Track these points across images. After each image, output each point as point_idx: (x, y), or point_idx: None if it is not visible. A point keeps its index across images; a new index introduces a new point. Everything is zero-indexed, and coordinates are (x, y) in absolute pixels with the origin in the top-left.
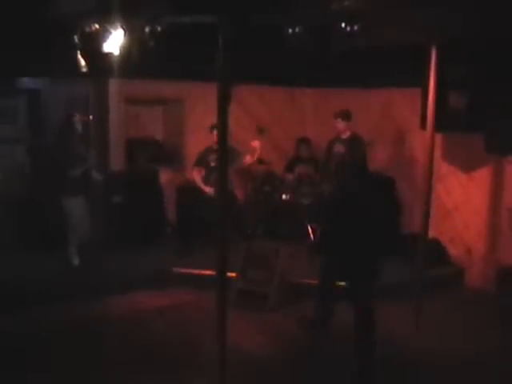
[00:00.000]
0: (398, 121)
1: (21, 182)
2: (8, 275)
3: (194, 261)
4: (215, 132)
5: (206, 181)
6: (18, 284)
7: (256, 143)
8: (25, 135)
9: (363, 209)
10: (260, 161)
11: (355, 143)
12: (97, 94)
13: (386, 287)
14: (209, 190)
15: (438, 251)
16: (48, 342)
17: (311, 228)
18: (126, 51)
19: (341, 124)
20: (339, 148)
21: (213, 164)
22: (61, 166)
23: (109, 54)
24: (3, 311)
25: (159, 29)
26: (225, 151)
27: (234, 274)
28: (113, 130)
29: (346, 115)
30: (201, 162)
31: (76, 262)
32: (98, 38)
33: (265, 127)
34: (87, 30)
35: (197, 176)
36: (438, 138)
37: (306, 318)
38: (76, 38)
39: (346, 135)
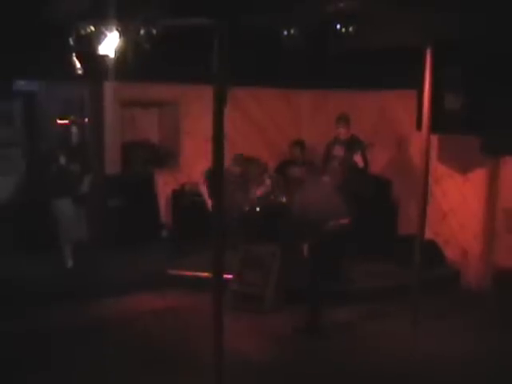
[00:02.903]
0: (394, 122)
1: (16, 184)
2: (4, 277)
3: (191, 263)
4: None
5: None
6: (14, 286)
7: (268, 182)
8: (20, 138)
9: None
10: (256, 163)
11: (355, 145)
12: (92, 97)
13: (383, 289)
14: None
15: (434, 253)
16: (45, 344)
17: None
18: (122, 54)
19: (343, 129)
20: (338, 150)
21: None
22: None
23: (104, 57)
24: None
25: (154, 31)
26: (221, 153)
27: (230, 276)
28: (108, 132)
29: (347, 120)
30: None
31: (70, 263)
32: (93, 41)
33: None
34: (82, 32)
35: (203, 188)
36: (434, 139)
37: (302, 323)
38: (71, 40)
39: (344, 137)
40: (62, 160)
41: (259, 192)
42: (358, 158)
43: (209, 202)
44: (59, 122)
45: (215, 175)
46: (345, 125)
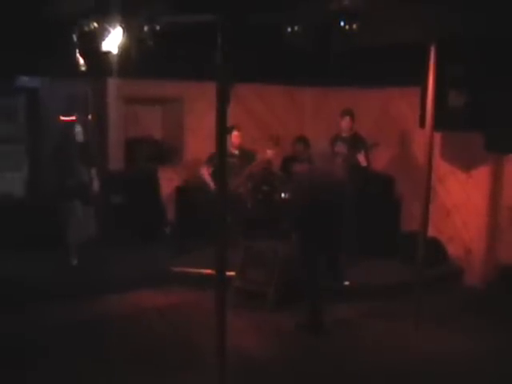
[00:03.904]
0: (397, 120)
1: (20, 181)
2: (8, 275)
3: (194, 260)
4: (235, 133)
5: (213, 178)
6: (18, 283)
7: (270, 153)
8: (23, 134)
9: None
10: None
11: (358, 143)
12: (95, 93)
13: (385, 286)
14: (213, 185)
15: (437, 250)
16: (47, 341)
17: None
18: (125, 50)
19: (348, 122)
20: (341, 148)
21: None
22: (59, 173)
23: (107, 53)
24: (3, 310)
25: (158, 28)
26: (224, 148)
27: (233, 274)
28: (112, 129)
29: (352, 114)
30: (212, 160)
31: (75, 261)
32: (96, 37)
33: (279, 138)
34: (86, 28)
35: (205, 172)
36: (438, 136)
37: (305, 321)
38: (75, 37)
39: (347, 133)
40: (73, 163)
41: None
42: (361, 158)
43: (211, 184)
44: (63, 118)
45: (219, 171)
46: (350, 118)
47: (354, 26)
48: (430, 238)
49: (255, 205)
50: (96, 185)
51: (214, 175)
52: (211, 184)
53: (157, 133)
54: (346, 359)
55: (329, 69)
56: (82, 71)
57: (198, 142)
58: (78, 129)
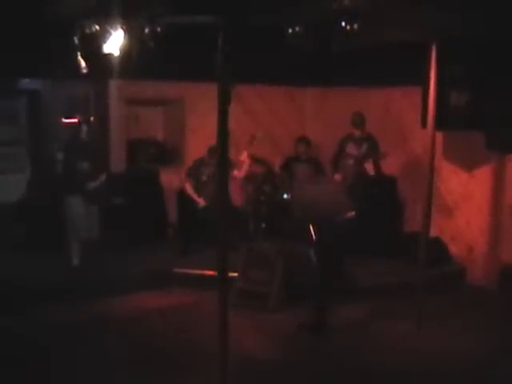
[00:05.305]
0: (398, 120)
1: (21, 182)
2: (8, 275)
3: (195, 261)
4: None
5: (197, 193)
6: (19, 284)
7: (244, 156)
8: (25, 136)
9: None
10: (260, 161)
11: (370, 144)
12: (97, 95)
13: (387, 286)
14: (201, 201)
15: (439, 250)
16: (48, 341)
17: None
18: (126, 52)
19: (358, 131)
20: (352, 149)
21: (204, 178)
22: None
23: (109, 55)
24: (3, 311)
25: (159, 29)
26: (226, 152)
27: (235, 274)
28: (113, 130)
29: (362, 121)
30: (192, 174)
31: (76, 261)
32: (98, 39)
33: (256, 134)
34: (87, 30)
35: (189, 187)
36: (439, 136)
37: (308, 321)
38: (76, 39)
39: (359, 134)
40: (70, 158)
41: (239, 174)
42: (369, 166)
43: (199, 200)
44: (66, 120)
45: (221, 172)
46: (359, 127)
47: (355, 26)
48: (433, 238)
49: (257, 205)
50: (102, 187)
51: (198, 191)
52: (197, 199)
53: (158, 134)
54: (347, 359)
55: (330, 69)
56: (84, 73)
57: (200, 143)
58: (84, 129)
